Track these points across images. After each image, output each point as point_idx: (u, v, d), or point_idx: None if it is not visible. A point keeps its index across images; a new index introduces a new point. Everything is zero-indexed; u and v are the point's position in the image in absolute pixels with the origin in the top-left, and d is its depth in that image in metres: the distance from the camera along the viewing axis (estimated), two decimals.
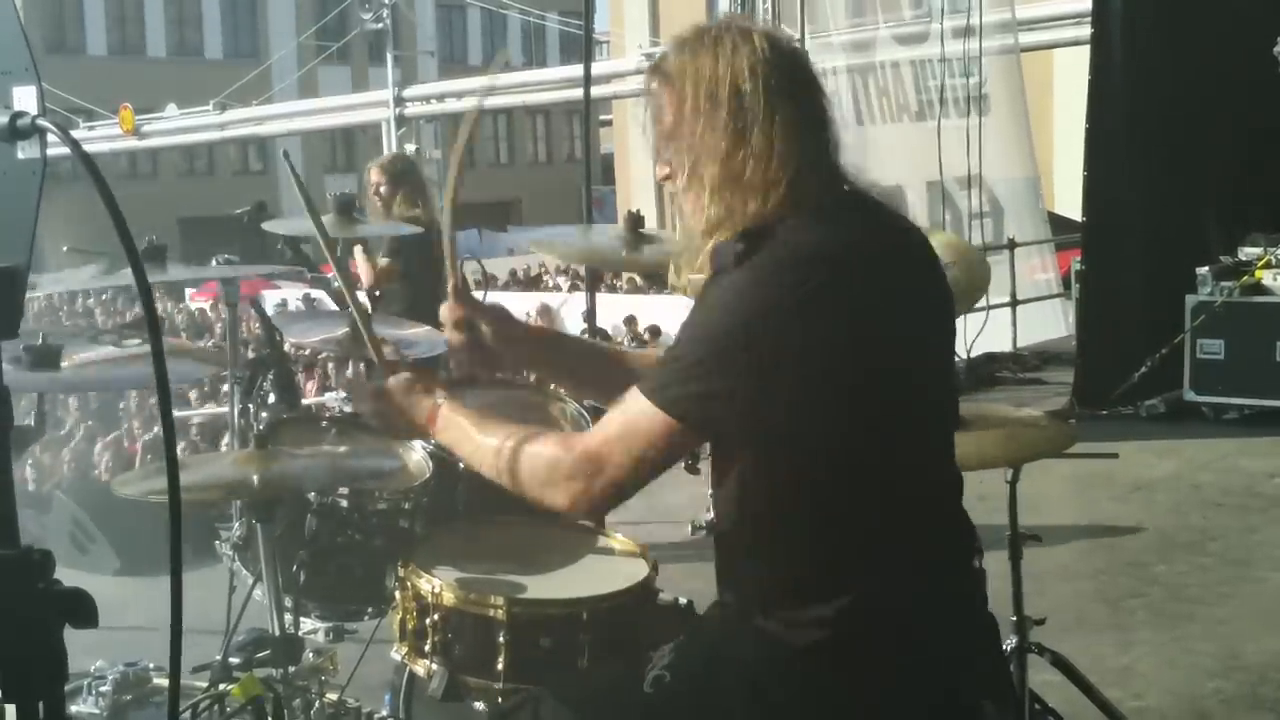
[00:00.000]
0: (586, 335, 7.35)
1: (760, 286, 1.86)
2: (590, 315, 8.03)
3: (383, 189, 6.43)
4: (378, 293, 6.37)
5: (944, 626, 1.99)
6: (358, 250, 6.25)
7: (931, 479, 2.02)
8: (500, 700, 2.41)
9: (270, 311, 3.50)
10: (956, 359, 2.17)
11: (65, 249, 4.81)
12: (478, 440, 2.11)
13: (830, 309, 1.85)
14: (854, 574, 1.94)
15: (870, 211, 2.01)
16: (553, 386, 3.21)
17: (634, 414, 1.91)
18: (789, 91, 1.95)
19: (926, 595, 1.97)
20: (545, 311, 18.21)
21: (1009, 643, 3.28)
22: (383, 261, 6.31)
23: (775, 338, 1.84)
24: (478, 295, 3.46)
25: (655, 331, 14.85)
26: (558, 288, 22.27)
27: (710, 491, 3.42)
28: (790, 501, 1.97)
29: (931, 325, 2.03)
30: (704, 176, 1.96)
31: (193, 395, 13.02)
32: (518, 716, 2.20)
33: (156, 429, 11.49)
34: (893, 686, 1.94)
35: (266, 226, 5.81)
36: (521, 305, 18.32)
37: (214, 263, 3.39)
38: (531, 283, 24.46)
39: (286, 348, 3.39)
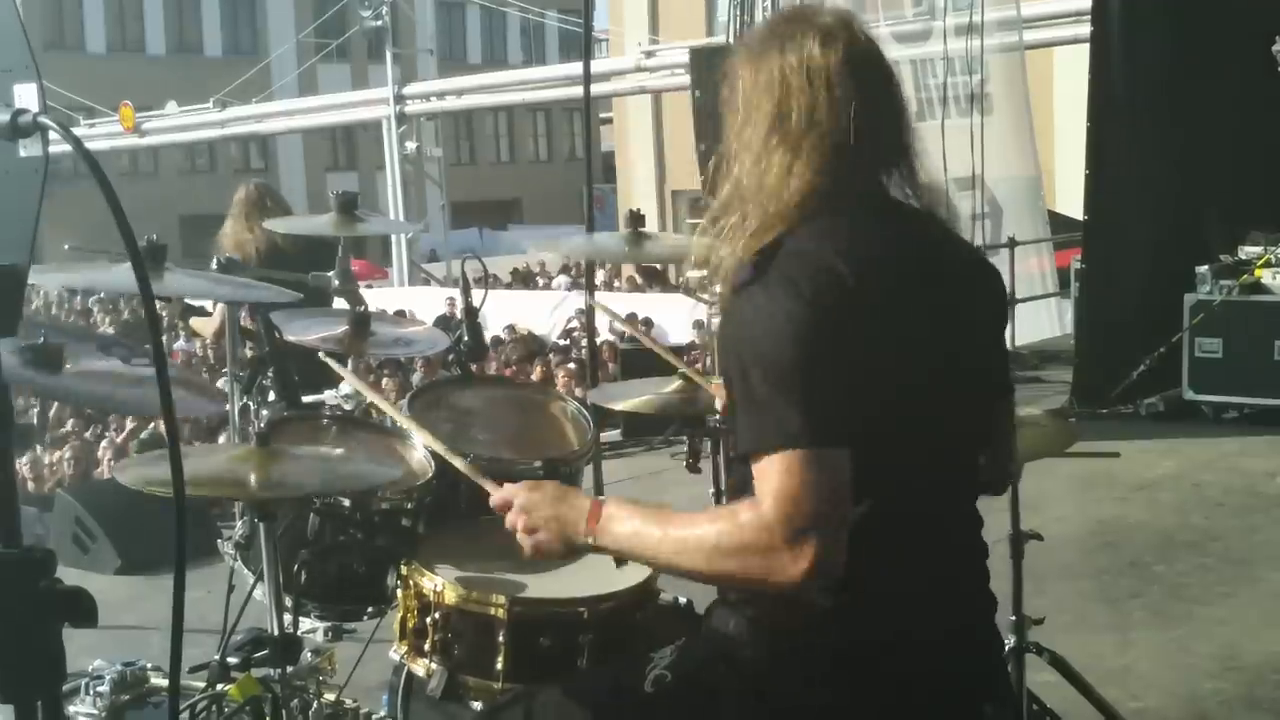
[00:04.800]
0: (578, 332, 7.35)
1: (779, 301, 1.86)
2: (588, 314, 8.03)
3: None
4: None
5: (944, 626, 1.99)
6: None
7: (934, 478, 2.00)
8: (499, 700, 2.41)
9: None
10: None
11: (66, 247, 4.80)
12: (658, 532, 1.94)
13: (838, 316, 1.86)
14: (854, 571, 1.93)
15: (898, 221, 2.00)
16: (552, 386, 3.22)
17: (772, 472, 1.82)
18: (833, 97, 1.94)
19: (927, 596, 1.97)
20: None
21: (1007, 642, 3.27)
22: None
23: (804, 346, 1.84)
24: (478, 294, 3.46)
25: (648, 323, 14.74)
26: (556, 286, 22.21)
27: (711, 490, 3.43)
28: None
29: (952, 338, 1.99)
30: (734, 172, 2.00)
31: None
32: (512, 714, 2.19)
33: (153, 426, 11.44)
34: (892, 686, 1.94)
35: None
36: (521, 303, 18.30)
37: (213, 262, 3.38)
38: (530, 280, 24.41)
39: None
